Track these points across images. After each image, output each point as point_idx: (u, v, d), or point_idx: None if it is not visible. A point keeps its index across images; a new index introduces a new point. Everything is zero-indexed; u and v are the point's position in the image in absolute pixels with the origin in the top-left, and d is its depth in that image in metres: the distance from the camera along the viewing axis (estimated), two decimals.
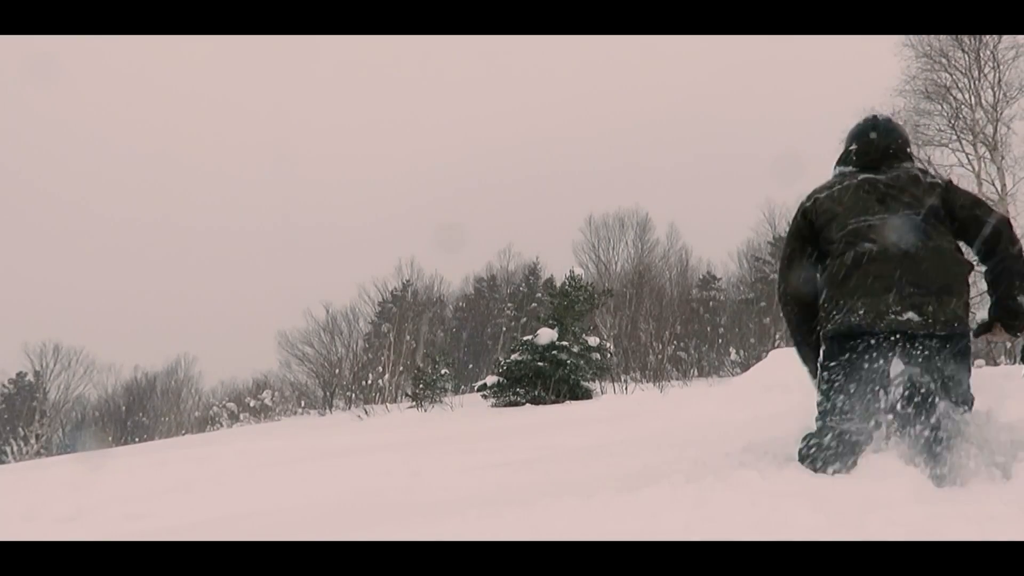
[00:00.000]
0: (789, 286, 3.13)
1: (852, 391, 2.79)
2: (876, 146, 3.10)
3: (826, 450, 2.72)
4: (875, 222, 2.90)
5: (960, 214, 2.95)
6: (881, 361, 2.77)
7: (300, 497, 4.65)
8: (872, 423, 2.76)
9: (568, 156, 63.69)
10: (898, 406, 2.79)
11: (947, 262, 2.84)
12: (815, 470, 2.71)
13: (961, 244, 3.00)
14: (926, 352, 2.78)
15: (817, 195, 3.10)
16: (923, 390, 2.76)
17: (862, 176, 3.05)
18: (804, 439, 2.86)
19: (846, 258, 2.89)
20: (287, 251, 60.15)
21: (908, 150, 3.18)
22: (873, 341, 2.77)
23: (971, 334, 2.93)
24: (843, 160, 3.20)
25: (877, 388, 2.77)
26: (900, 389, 2.81)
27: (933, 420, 2.72)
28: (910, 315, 2.74)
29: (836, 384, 2.83)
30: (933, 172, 3.11)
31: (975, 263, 3.05)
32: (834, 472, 2.66)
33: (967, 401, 2.85)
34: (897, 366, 2.79)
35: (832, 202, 3.03)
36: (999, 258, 2.94)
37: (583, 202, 62.38)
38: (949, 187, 3.00)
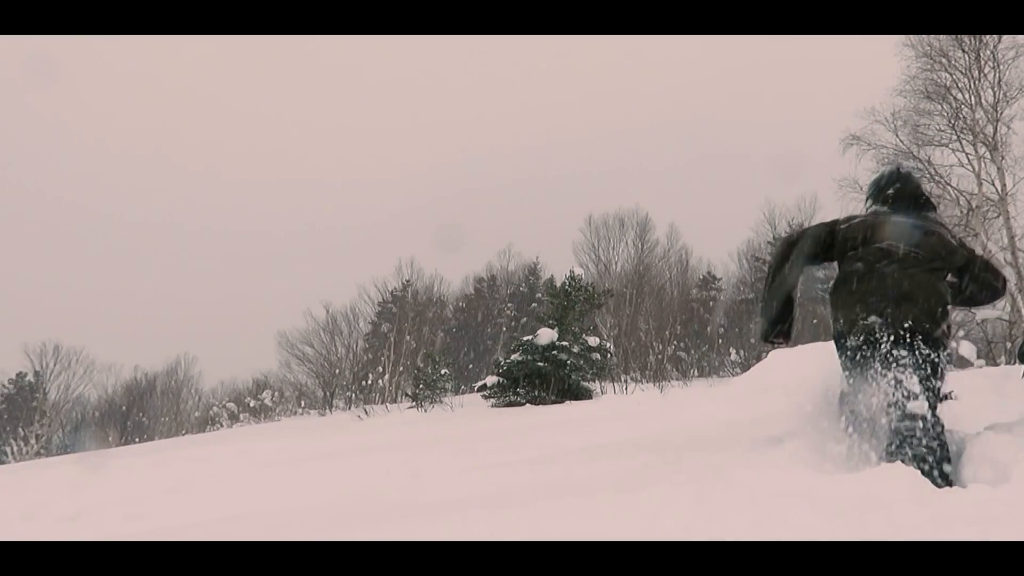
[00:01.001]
0: (776, 263, 3.58)
1: (851, 382, 3.22)
2: (909, 192, 3.55)
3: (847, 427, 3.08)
4: (881, 246, 3.29)
5: (965, 274, 3.39)
6: (866, 357, 3.16)
7: (300, 497, 4.66)
8: (875, 406, 3.03)
9: (568, 156, 63.54)
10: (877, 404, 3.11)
11: (916, 282, 3.20)
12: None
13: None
14: (885, 348, 3.12)
15: (852, 220, 3.49)
16: (889, 394, 3.04)
17: (895, 218, 3.41)
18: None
19: (841, 274, 3.37)
20: (287, 251, 60.01)
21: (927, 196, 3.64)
22: (854, 343, 3.23)
23: (943, 352, 3.20)
24: (881, 201, 3.55)
25: (867, 380, 3.12)
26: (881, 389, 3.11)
27: (889, 426, 2.98)
28: (872, 318, 3.18)
29: (844, 375, 3.30)
30: (958, 241, 3.49)
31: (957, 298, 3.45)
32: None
33: (916, 414, 2.99)
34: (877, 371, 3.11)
35: (860, 231, 3.39)
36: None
37: (583, 202, 62.19)
38: (971, 260, 3.41)
